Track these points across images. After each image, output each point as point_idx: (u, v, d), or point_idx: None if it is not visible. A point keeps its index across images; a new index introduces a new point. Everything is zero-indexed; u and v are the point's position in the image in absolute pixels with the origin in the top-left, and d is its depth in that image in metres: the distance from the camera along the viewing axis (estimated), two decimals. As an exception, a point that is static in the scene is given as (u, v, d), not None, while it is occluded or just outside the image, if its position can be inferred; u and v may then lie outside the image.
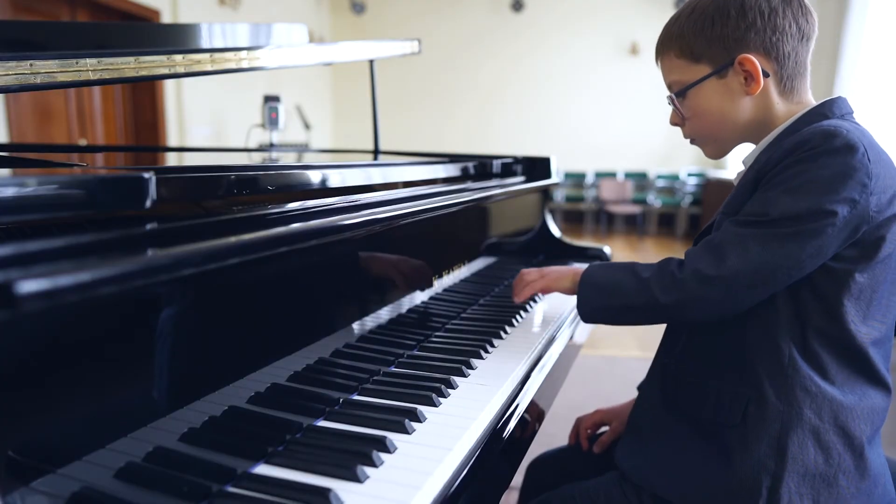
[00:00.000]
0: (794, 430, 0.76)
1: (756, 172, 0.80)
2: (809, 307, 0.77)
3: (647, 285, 0.82)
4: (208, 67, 1.13)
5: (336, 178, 0.90)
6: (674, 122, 0.94)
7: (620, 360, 2.94)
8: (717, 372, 0.83)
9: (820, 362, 0.77)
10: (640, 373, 1.02)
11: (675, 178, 7.72)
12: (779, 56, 0.83)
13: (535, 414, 0.91)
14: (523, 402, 0.86)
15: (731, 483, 0.77)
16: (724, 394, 0.81)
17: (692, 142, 0.94)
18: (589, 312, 0.90)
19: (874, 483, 0.77)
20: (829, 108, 0.82)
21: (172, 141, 5.42)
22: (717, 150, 0.93)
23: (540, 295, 1.27)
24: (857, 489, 0.76)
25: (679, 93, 0.89)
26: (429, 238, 1.12)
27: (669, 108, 0.93)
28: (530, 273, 1.08)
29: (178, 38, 1.32)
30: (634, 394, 1.13)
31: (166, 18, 5.27)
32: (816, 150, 0.74)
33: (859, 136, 0.74)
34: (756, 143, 0.89)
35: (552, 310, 1.29)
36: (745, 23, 0.82)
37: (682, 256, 0.83)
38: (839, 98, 0.84)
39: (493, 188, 1.32)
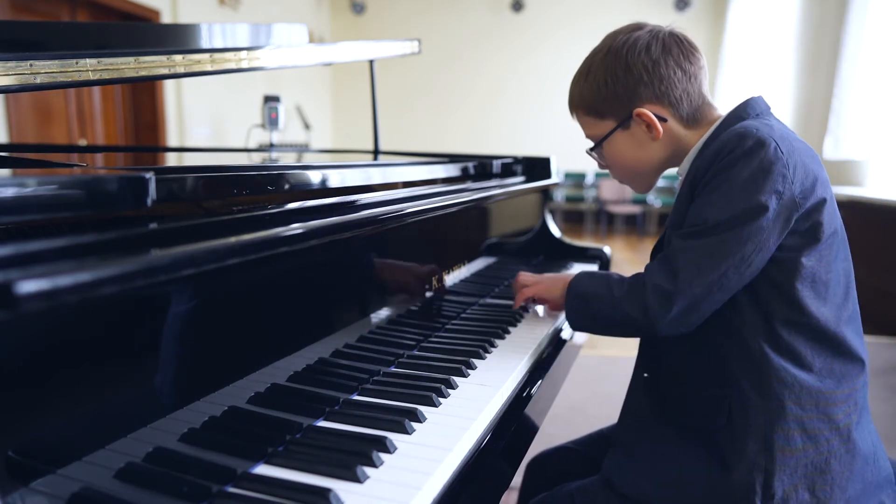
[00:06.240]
0: (778, 423, 0.77)
1: (690, 183, 0.84)
2: (769, 299, 0.79)
3: (620, 302, 0.85)
4: (208, 67, 1.13)
5: (336, 179, 0.90)
6: (601, 167, 1.02)
7: (620, 360, 2.94)
8: (695, 377, 0.84)
9: (793, 351, 0.78)
10: (640, 373, 1.02)
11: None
12: (671, 101, 0.89)
13: (535, 414, 0.91)
14: (523, 402, 0.86)
15: (726, 484, 0.78)
16: (705, 398, 0.82)
17: (620, 181, 1.03)
18: (577, 323, 0.95)
19: (865, 462, 0.78)
20: (744, 110, 0.86)
21: (172, 141, 5.42)
22: (642, 186, 1.01)
23: None
24: (850, 471, 0.77)
25: (594, 147, 0.98)
26: (429, 238, 1.12)
27: None
28: (525, 278, 1.13)
29: (178, 38, 1.32)
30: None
31: (166, 18, 5.27)
32: (734, 153, 0.77)
33: (768, 132, 0.77)
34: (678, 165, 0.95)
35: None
36: (632, 79, 0.88)
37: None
38: (752, 99, 0.87)
39: (493, 188, 1.32)
